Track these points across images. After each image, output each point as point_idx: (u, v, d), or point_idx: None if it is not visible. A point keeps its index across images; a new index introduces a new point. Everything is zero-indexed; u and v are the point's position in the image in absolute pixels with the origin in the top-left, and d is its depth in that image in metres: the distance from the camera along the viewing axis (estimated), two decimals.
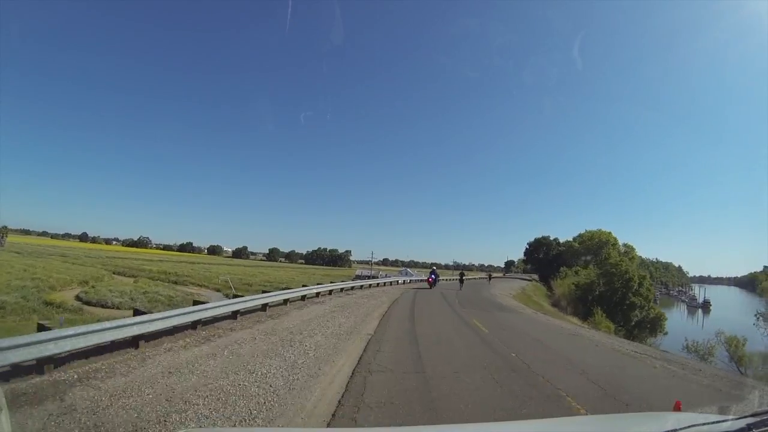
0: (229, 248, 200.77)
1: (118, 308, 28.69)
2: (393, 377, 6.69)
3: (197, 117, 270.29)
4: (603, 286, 45.24)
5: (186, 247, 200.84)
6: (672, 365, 9.72)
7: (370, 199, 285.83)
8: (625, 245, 71.62)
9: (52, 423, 4.19)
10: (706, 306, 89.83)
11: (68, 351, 5.95)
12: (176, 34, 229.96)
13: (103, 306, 29.40)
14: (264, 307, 13.39)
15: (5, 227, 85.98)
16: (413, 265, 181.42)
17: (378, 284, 31.20)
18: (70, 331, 6.01)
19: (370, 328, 11.93)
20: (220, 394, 5.38)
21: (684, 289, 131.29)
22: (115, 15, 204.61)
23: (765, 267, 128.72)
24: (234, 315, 11.39)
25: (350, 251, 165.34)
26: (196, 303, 10.35)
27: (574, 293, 45.19)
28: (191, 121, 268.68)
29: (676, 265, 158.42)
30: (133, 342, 7.41)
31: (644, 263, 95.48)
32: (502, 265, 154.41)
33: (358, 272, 79.43)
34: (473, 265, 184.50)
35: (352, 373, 6.84)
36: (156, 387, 5.42)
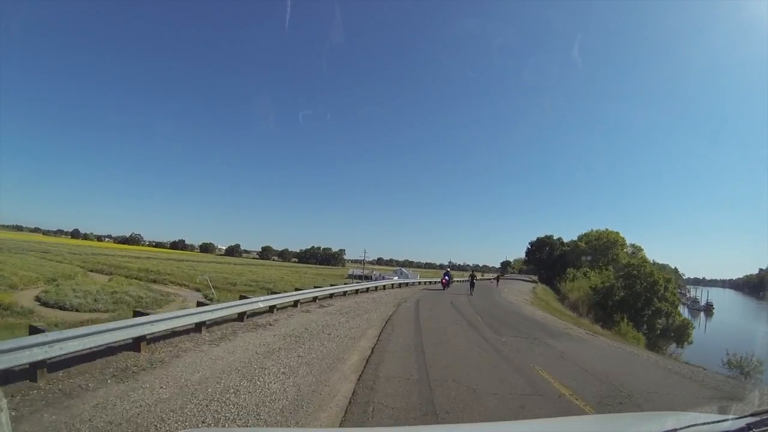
0: (222, 246, 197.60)
1: (77, 310, 26.27)
2: None
3: (193, 115, 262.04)
4: (622, 290, 39.37)
5: (178, 245, 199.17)
6: None
7: (366, 198, 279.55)
8: (632, 246, 66.38)
9: None
10: (708, 309, 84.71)
11: None
12: (171, 32, 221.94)
13: (60, 308, 26.68)
14: (241, 316, 10.61)
15: None
16: (408, 264, 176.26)
17: (369, 288, 24.53)
18: None
19: (346, 389, 5.58)
20: None
21: (683, 291, 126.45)
22: (107, 10, 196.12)
23: (761, 270, 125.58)
24: (198, 327, 8.64)
25: (344, 250, 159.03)
26: (138, 314, 7.19)
27: (592, 297, 39.27)
28: (186, 119, 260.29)
29: (672, 267, 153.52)
30: None
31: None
32: (498, 266, 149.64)
33: (351, 272, 73.22)
34: (468, 265, 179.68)
35: None
36: None
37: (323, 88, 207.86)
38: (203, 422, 4.21)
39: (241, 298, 11.65)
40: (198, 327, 8.63)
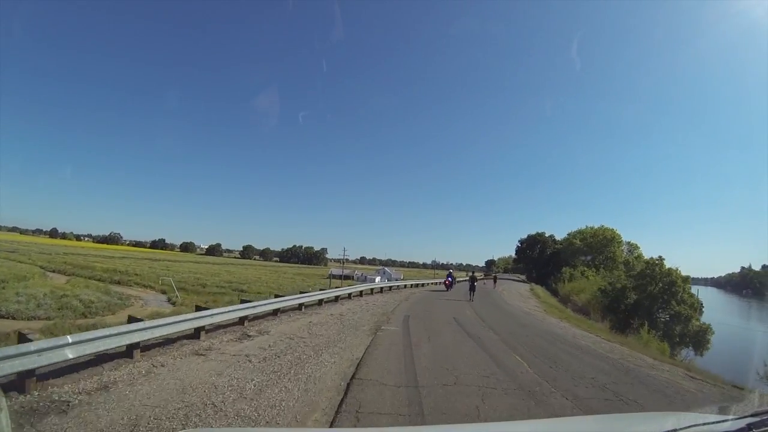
0: (203, 245, 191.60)
1: (12, 318, 22.94)
2: None
3: (173, 113, 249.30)
4: (634, 291, 33.97)
5: (158, 244, 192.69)
6: None
7: (349, 197, 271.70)
8: (628, 243, 61.47)
9: None
10: (699, 308, 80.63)
11: None
12: (163, 28, 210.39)
13: None
14: (197, 332, 8.01)
15: None
16: (391, 264, 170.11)
17: (339, 297, 17.88)
18: None
19: None
20: None
21: None
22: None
23: (743, 268, 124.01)
24: (129, 351, 6.27)
25: (326, 249, 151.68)
26: None
27: (600, 300, 33.70)
28: (167, 118, 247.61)
29: None
30: None
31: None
32: (483, 264, 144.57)
33: (331, 272, 66.39)
34: (451, 264, 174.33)
35: None
36: None
37: (313, 89, 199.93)
38: None
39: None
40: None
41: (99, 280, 44.91)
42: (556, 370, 7.44)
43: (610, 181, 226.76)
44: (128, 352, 6.34)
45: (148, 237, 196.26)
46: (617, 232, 57.88)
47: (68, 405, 4.36)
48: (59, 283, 37.33)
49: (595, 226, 59.50)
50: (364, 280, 77.88)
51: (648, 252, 59.26)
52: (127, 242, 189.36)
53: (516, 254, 73.66)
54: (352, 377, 6.18)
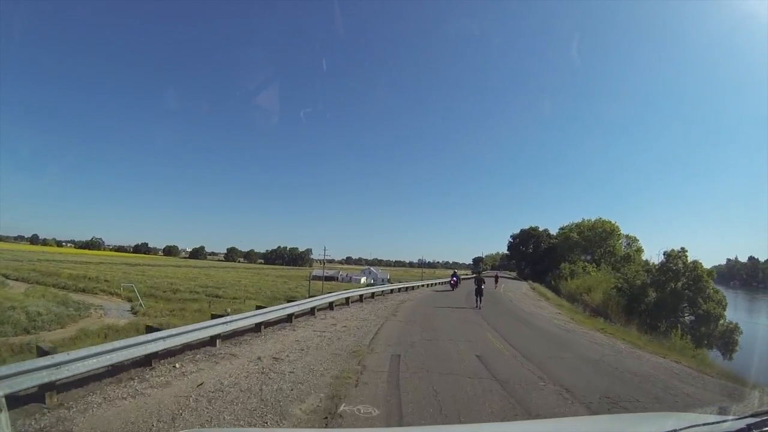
0: (187, 248, 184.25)
1: None
2: None
3: (154, 114, 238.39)
4: (652, 288, 29.38)
5: (141, 248, 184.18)
6: None
7: (335, 197, 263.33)
8: (627, 237, 57.29)
9: None
10: None
11: None
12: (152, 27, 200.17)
13: None
14: (149, 359, 6.16)
15: None
16: (377, 263, 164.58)
17: (315, 308, 12.18)
18: None
19: None
20: None
21: None
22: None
23: (729, 260, 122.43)
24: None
25: (311, 250, 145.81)
26: None
27: (617, 300, 28.90)
28: (147, 121, 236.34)
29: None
30: None
31: None
32: (470, 262, 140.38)
33: (313, 273, 60.49)
34: (438, 262, 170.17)
35: None
36: None
37: (301, 88, 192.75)
38: None
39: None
40: None
41: (63, 288, 41.76)
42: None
43: (599, 174, 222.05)
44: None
45: (132, 242, 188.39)
46: (616, 224, 53.63)
47: None
48: (15, 293, 34.31)
49: (592, 219, 55.22)
50: (349, 281, 72.25)
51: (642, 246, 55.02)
52: (110, 247, 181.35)
53: (508, 250, 68.88)
54: None
